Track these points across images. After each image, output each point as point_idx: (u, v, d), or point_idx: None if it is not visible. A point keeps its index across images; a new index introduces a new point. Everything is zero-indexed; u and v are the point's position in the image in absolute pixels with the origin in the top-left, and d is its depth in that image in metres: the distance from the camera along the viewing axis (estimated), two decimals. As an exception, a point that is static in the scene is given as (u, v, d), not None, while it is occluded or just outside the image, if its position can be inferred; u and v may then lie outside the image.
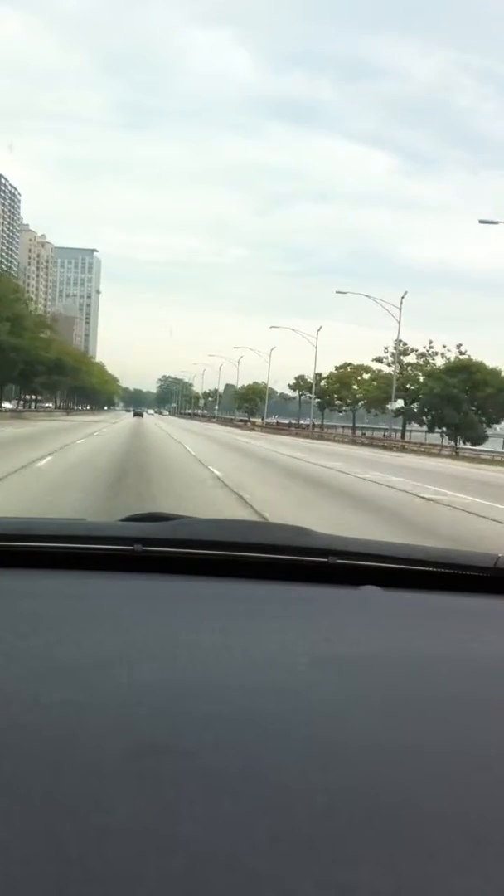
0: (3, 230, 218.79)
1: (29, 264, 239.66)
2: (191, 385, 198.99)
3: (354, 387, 78.65)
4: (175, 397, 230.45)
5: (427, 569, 1.47)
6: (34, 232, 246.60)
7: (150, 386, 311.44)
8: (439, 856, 0.58)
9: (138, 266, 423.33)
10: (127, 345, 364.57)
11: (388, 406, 58.78)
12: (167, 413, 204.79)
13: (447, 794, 0.67)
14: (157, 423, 66.15)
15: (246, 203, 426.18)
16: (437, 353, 63.53)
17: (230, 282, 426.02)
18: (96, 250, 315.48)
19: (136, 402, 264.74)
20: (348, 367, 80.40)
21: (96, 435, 32.49)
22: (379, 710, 0.83)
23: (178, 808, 0.61)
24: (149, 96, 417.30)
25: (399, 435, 58.82)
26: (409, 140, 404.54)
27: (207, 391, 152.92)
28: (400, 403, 60.78)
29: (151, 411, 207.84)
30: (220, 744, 0.72)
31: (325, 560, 1.43)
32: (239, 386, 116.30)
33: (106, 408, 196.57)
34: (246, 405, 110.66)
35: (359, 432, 71.98)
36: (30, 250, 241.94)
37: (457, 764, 0.73)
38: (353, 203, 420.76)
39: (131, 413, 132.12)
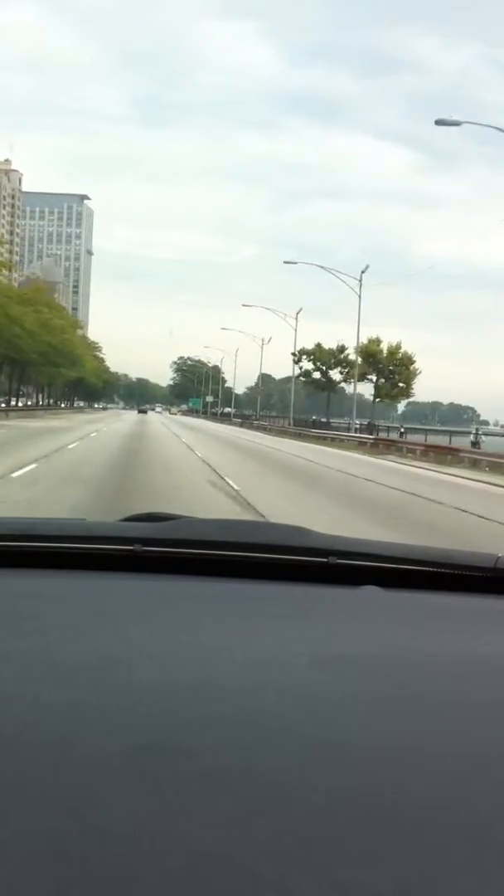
0: None
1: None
2: (221, 372, 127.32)
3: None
4: (202, 387, 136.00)
5: (427, 569, 1.47)
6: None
7: (159, 378, 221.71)
8: (439, 856, 0.57)
9: (147, 263, 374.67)
10: (129, 331, 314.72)
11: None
12: (177, 412, 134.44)
13: (447, 795, 0.67)
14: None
15: (261, 200, 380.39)
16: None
17: (241, 278, 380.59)
18: (88, 197, 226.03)
19: (143, 397, 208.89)
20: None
21: None
22: (379, 710, 0.83)
23: (178, 808, 0.61)
24: (165, 91, 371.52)
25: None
26: (431, 136, 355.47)
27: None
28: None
29: (159, 409, 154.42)
30: (220, 744, 0.72)
31: (326, 560, 1.42)
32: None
33: (83, 404, 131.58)
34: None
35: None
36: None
37: (456, 764, 0.73)
38: (371, 200, 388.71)
39: (134, 412, 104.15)
